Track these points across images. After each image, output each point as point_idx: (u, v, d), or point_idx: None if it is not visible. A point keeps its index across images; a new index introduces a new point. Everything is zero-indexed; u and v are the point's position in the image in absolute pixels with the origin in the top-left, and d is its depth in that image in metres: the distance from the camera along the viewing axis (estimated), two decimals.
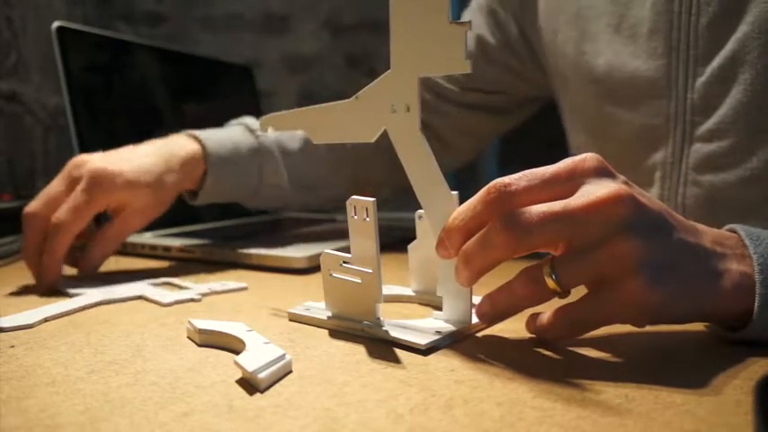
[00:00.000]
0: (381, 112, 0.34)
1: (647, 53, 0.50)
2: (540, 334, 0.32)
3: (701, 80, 0.47)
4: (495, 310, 0.33)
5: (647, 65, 0.50)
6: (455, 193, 0.33)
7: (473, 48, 0.65)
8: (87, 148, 0.69)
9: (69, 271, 0.51)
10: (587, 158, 0.31)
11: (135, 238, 0.65)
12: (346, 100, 0.35)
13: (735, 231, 0.32)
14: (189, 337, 0.34)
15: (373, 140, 0.35)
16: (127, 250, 0.64)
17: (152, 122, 0.79)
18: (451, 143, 0.71)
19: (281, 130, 0.39)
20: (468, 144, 0.73)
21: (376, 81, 0.34)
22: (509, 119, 0.73)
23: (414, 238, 0.41)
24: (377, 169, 0.71)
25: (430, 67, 0.32)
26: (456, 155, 0.73)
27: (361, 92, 0.35)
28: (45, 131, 1.00)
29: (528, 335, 0.33)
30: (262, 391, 0.26)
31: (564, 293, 0.30)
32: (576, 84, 0.58)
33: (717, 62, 0.46)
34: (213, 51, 1.21)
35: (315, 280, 0.50)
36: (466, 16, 0.68)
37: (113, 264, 0.56)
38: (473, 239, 0.31)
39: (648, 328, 0.31)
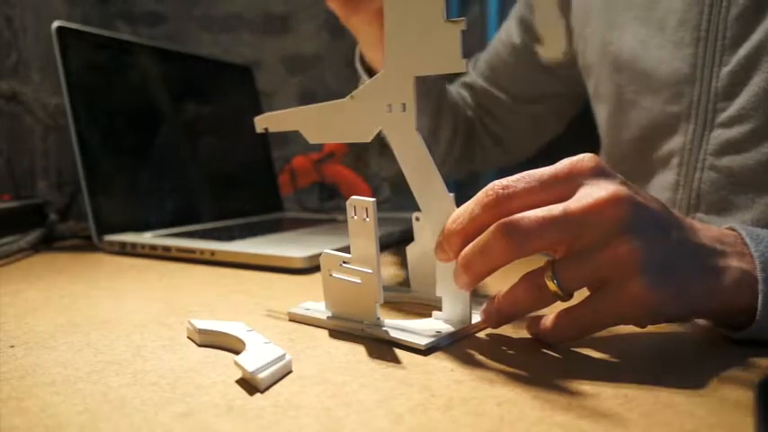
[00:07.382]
0: (377, 112, 0.34)
1: (674, 43, 0.51)
2: (543, 337, 0.32)
3: (726, 69, 0.48)
4: (500, 314, 0.33)
5: (673, 54, 0.51)
6: (451, 194, 0.33)
7: (508, 56, 0.76)
8: (87, 148, 0.69)
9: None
10: (585, 159, 0.31)
11: (135, 238, 0.65)
12: (341, 99, 0.35)
13: (734, 230, 0.32)
14: (189, 337, 0.34)
15: (369, 140, 0.34)
16: (126, 250, 0.64)
17: (152, 122, 0.79)
18: (515, 147, 0.83)
19: (276, 131, 0.38)
20: (530, 144, 0.84)
21: (371, 80, 0.34)
22: (559, 119, 0.82)
23: (413, 238, 0.41)
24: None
25: (425, 65, 0.32)
26: (520, 155, 0.85)
27: (356, 91, 0.34)
28: (45, 131, 1.00)
29: (528, 335, 0.33)
30: (262, 391, 0.26)
31: (566, 297, 0.30)
32: (599, 72, 0.60)
33: (743, 51, 0.47)
34: (213, 51, 1.21)
35: (315, 280, 0.50)
36: (503, 27, 0.77)
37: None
38: (472, 245, 0.31)
39: (648, 328, 0.31)
